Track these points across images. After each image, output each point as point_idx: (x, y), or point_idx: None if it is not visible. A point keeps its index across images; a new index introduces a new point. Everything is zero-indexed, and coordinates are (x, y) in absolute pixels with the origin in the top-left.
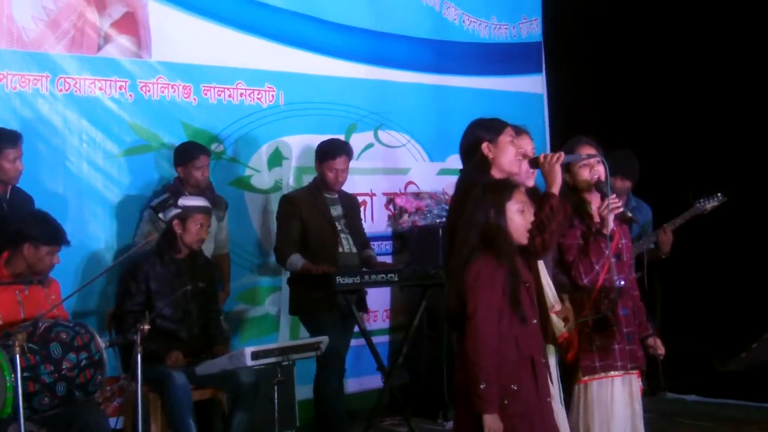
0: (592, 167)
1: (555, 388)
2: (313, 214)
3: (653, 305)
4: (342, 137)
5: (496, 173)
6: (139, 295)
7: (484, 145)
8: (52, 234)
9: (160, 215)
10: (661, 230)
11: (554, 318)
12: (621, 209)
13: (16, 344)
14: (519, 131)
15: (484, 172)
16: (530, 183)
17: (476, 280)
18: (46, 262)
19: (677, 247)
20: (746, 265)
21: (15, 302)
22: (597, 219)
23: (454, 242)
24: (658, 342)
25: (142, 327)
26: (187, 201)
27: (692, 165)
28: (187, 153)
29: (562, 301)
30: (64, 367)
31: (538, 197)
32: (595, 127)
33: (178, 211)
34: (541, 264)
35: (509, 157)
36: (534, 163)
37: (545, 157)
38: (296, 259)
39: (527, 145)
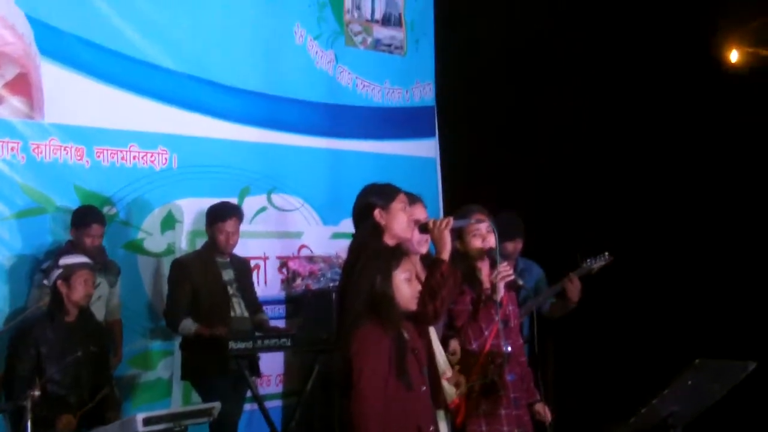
0: (484, 237)
1: None
2: (205, 278)
3: (545, 368)
4: (235, 200)
5: (388, 239)
6: (29, 360)
7: (377, 212)
8: None
9: (45, 281)
10: (566, 280)
11: (445, 384)
12: (512, 277)
13: None
14: (413, 199)
15: (376, 238)
16: (423, 250)
17: (361, 347)
18: None
19: (566, 314)
20: (637, 326)
21: None
22: (487, 286)
23: (341, 307)
24: (546, 409)
25: (32, 393)
26: (68, 259)
27: (580, 225)
28: (82, 218)
29: (452, 366)
30: None
31: (430, 264)
32: (487, 191)
33: (60, 270)
34: (432, 330)
35: (401, 224)
36: (423, 228)
37: (434, 223)
38: (188, 324)
39: (420, 214)
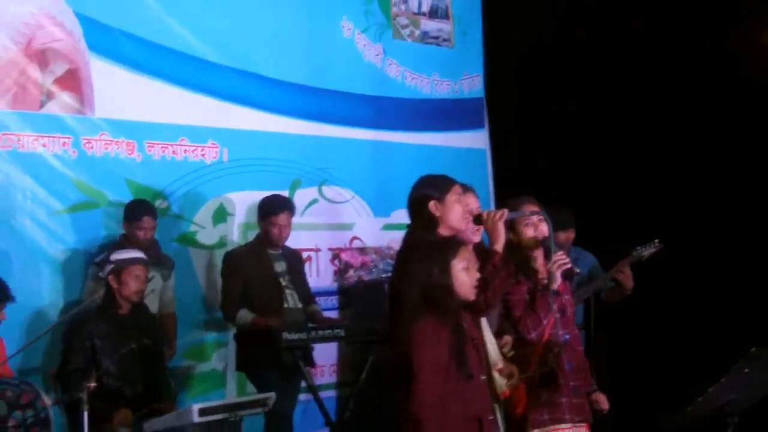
0: (536, 226)
1: None
2: (256, 271)
3: (598, 359)
4: (286, 193)
5: (443, 230)
6: (83, 353)
7: (431, 204)
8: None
9: (100, 273)
10: (616, 268)
11: (496, 375)
12: (569, 265)
13: None
14: (465, 189)
15: (431, 230)
16: (477, 239)
17: (420, 339)
18: None
19: (621, 301)
20: (692, 314)
21: None
22: (543, 275)
23: (397, 299)
24: (602, 397)
25: (88, 385)
26: (120, 255)
27: (630, 214)
28: (133, 212)
29: (505, 357)
30: (10, 425)
31: (482, 254)
32: (538, 181)
33: (111, 266)
34: (483, 321)
35: (456, 216)
36: (477, 220)
37: (488, 215)
38: (245, 314)
39: (473, 203)
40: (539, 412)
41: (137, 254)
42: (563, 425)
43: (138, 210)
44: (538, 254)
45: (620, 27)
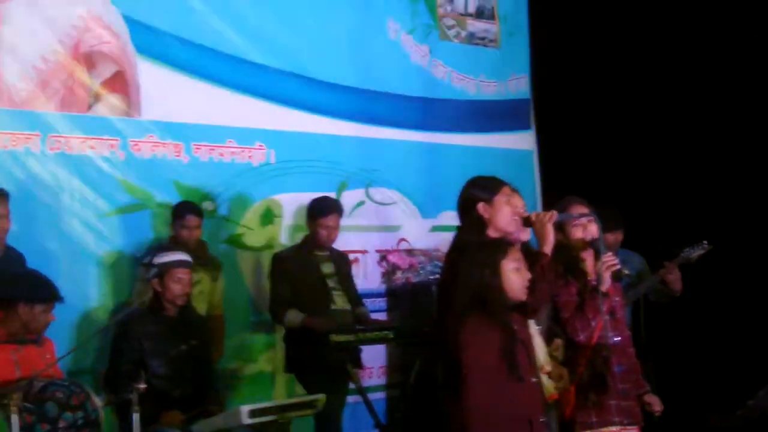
0: (585, 227)
1: None
2: (304, 272)
3: (647, 360)
4: (333, 194)
5: (491, 232)
6: (132, 354)
7: (480, 205)
8: (45, 292)
9: (146, 276)
10: (664, 270)
11: (544, 378)
12: (618, 266)
13: (12, 404)
14: (511, 190)
15: (480, 232)
16: (525, 237)
17: (469, 340)
18: (41, 320)
19: (670, 302)
20: (741, 316)
21: (10, 361)
22: (592, 276)
23: (446, 300)
24: (655, 399)
25: (138, 386)
26: (162, 257)
27: (678, 216)
28: (177, 211)
29: (555, 359)
30: (60, 426)
31: (530, 256)
32: (586, 183)
33: (155, 269)
34: (531, 323)
35: (505, 218)
36: (527, 222)
37: (537, 216)
38: (294, 315)
39: (519, 203)
40: (587, 414)
41: (180, 256)
42: (611, 427)
43: (182, 209)
44: (587, 256)
45: (670, 25)
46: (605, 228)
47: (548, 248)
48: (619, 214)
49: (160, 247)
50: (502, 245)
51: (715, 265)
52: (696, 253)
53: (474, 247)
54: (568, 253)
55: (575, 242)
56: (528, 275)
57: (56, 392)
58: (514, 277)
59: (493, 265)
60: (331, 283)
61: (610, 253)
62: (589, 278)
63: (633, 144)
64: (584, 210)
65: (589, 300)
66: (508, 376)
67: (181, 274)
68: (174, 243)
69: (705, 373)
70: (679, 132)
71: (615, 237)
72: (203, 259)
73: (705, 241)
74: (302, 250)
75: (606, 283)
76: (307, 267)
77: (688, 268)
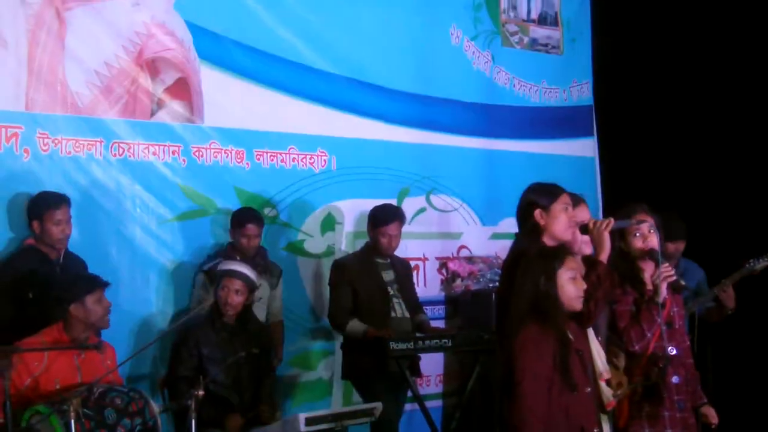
0: (645, 237)
1: None
2: (365, 280)
3: (705, 372)
4: (394, 201)
5: (547, 240)
6: (191, 361)
7: (537, 212)
8: (87, 281)
9: (207, 282)
10: (719, 288)
11: (602, 386)
12: (674, 278)
13: (71, 409)
14: (577, 200)
15: (535, 239)
16: (587, 251)
17: (523, 348)
18: (98, 311)
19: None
20: None
21: (73, 367)
22: (650, 287)
23: (503, 307)
24: (712, 411)
25: (196, 392)
26: (225, 265)
27: (743, 225)
28: (237, 219)
29: (615, 368)
30: None
31: (587, 264)
32: (648, 190)
33: (215, 275)
34: (590, 332)
35: (561, 226)
36: (584, 229)
37: (594, 224)
38: (356, 324)
39: (584, 215)
40: (640, 425)
41: (240, 268)
42: None
43: (242, 217)
44: (647, 266)
45: (737, 30)
46: (666, 237)
47: (604, 256)
48: (681, 223)
49: (219, 252)
50: (560, 253)
51: None
52: (761, 264)
53: (531, 254)
54: (628, 262)
55: (634, 251)
56: (584, 285)
57: (115, 399)
58: (569, 286)
59: (549, 274)
60: (391, 290)
61: (667, 264)
62: (646, 288)
63: (698, 151)
64: (647, 218)
65: (645, 310)
66: (561, 385)
67: (235, 285)
68: (233, 250)
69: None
70: (746, 139)
71: (676, 246)
72: (262, 265)
73: None
74: (363, 257)
75: (662, 294)
76: (369, 274)
77: (752, 279)
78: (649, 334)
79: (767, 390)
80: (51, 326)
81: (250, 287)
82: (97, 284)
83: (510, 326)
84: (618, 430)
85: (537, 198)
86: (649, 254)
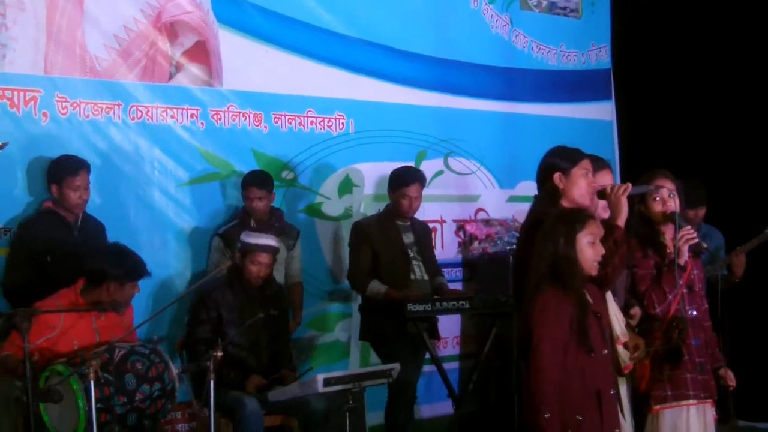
0: (665, 201)
1: (626, 420)
2: (385, 242)
3: (722, 335)
4: (412, 164)
5: (565, 203)
6: (209, 323)
7: (556, 176)
8: (135, 270)
9: (225, 246)
10: (734, 253)
11: (620, 349)
12: (696, 240)
13: (91, 371)
14: (600, 165)
15: (553, 202)
16: (606, 215)
17: (542, 312)
18: (129, 295)
19: (746, 275)
20: None
21: (91, 329)
22: (671, 250)
23: (521, 270)
24: (730, 374)
25: (215, 354)
26: (248, 238)
27: (764, 191)
28: (243, 182)
29: (632, 330)
30: (136, 398)
31: (604, 228)
32: (667, 155)
33: (239, 244)
34: (608, 295)
35: (580, 191)
36: (601, 194)
37: (612, 189)
38: (377, 285)
39: (606, 180)
40: (662, 388)
41: (265, 240)
42: (687, 401)
43: (246, 180)
44: (667, 229)
45: None
46: (687, 203)
47: (621, 221)
48: (702, 189)
49: (234, 215)
50: (580, 217)
51: None
52: None
53: (552, 217)
54: (648, 226)
55: (655, 215)
56: (602, 250)
57: (136, 363)
58: (588, 250)
59: (569, 236)
60: (411, 253)
61: (688, 227)
62: (667, 251)
63: (717, 115)
64: (669, 183)
65: (666, 274)
66: (578, 347)
67: (263, 258)
68: (245, 213)
69: None
70: (766, 102)
71: (696, 213)
72: (279, 227)
73: None
74: (384, 219)
75: (683, 257)
76: (389, 236)
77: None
78: (670, 297)
79: None
80: (68, 288)
81: (275, 254)
82: (144, 274)
83: (528, 289)
84: (639, 392)
85: (557, 161)
86: (670, 218)
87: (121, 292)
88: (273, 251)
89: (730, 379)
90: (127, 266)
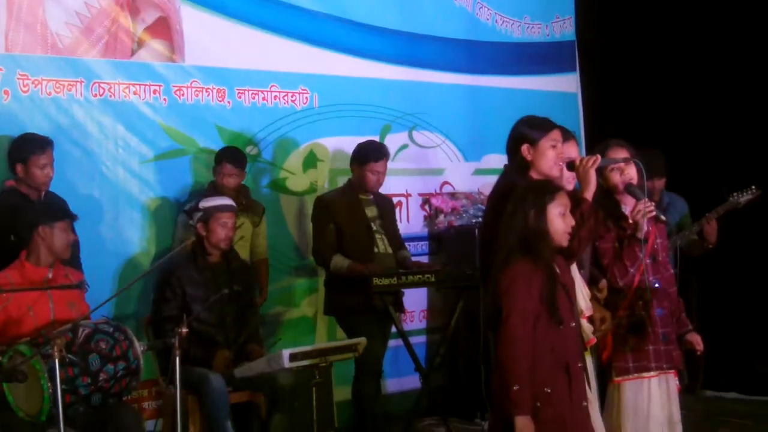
0: (623, 171)
1: (593, 393)
2: (348, 216)
3: (689, 304)
4: (377, 138)
5: (534, 175)
6: (175, 300)
7: (524, 147)
8: (59, 210)
9: (190, 221)
10: (704, 220)
11: (584, 323)
12: (653, 213)
13: (55, 351)
14: (567, 136)
15: (522, 174)
16: (570, 187)
17: (512, 284)
18: (63, 240)
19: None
20: None
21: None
22: (631, 221)
23: (490, 242)
24: (697, 338)
25: (180, 330)
26: (208, 202)
27: (726, 159)
28: (217, 157)
29: (598, 302)
30: (101, 378)
31: (571, 201)
32: (631, 126)
33: (200, 213)
34: (573, 268)
35: (548, 162)
36: (570, 166)
37: (581, 161)
38: (340, 260)
39: (572, 152)
40: (624, 359)
41: (225, 201)
42: (648, 373)
43: (221, 156)
44: (628, 200)
45: None
46: (647, 173)
47: (589, 194)
48: (663, 158)
49: (201, 192)
50: (550, 188)
51: (765, 210)
52: (745, 197)
53: (521, 188)
54: (608, 197)
55: (612, 187)
56: (572, 222)
57: (100, 342)
58: (558, 222)
59: (539, 208)
60: (374, 226)
61: (646, 199)
62: (628, 223)
63: (680, 86)
64: (625, 153)
65: (626, 247)
66: (548, 320)
67: (225, 218)
68: (213, 189)
69: (750, 319)
70: (728, 73)
71: (653, 184)
72: (245, 204)
73: (754, 186)
74: (346, 193)
75: (642, 230)
76: (352, 210)
77: (737, 213)
78: (632, 270)
79: (753, 324)
80: (15, 261)
81: (236, 213)
82: (69, 214)
83: (497, 261)
84: (601, 363)
85: (527, 131)
86: (627, 189)
87: (53, 237)
88: (234, 210)
89: (698, 343)
90: (50, 207)
